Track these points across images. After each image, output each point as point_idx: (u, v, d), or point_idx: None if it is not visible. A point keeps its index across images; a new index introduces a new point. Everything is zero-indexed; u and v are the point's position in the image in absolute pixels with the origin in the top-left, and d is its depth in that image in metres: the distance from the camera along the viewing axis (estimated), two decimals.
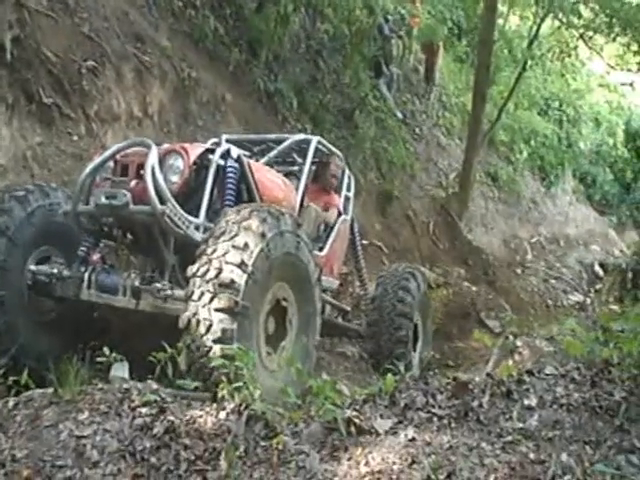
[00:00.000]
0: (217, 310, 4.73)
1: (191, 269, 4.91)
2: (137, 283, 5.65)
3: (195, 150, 5.99)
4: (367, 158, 13.36)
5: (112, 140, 8.33)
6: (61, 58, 7.94)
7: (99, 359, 4.52)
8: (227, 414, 3.73)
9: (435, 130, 17.63)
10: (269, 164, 7.29)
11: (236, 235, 4.92)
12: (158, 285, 5.55)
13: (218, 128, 9.68)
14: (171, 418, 3.71)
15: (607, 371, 3.87)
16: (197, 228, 5.63)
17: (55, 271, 5.89)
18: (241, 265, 4.83)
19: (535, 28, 18.03)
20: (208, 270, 4.82)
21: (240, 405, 3.76)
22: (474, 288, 12.52)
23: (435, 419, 3.65)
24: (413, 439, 3.48)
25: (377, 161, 13.74)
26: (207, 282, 4.79)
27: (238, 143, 7.40)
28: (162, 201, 5.43)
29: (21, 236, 5.78)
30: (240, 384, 3.93)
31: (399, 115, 15.80)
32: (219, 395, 3.98)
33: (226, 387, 3.96)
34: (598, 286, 16.74)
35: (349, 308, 8.53)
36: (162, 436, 3.62)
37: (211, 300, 4.74)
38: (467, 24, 19.71)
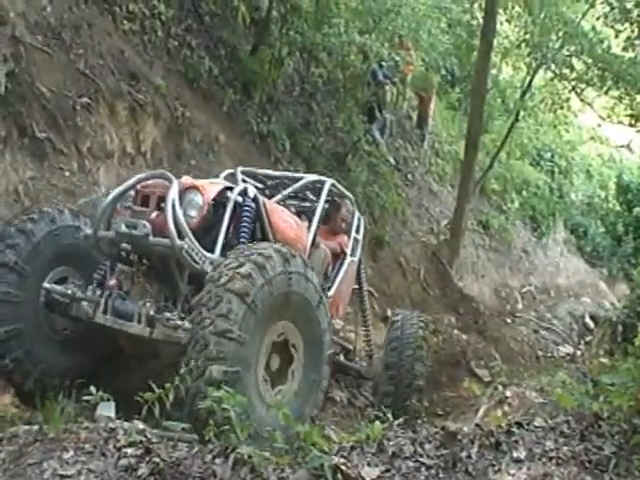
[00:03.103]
0: (214, 333, 4.88)
1: (197, 296, 5.12)
2: (152, 312, 5.81)
3: (214, 187, 6.21)
4: (359, 202, 13.29)
5: (104, 177, 8.42)
6: (55, 93, 7.98)
7: (85, 397, 4.47)
8: (213, 457, 3.64)
9: (427, 177, 17.69)
10: (282, 201, 7.49)
11: (241, 266, 5.08)
12: (168, 315, 5.74)
13: (211, 168, 9.69)
14: (156, 459, 3.61)
15: (597, 425, 3.79)
16: (212, 263, 5.74)
17: (69, 292, 6.05)
18: (242, 294, 4.99)
19: (528, 79, 18.24)
20: (210, 297, 4.99)
21: (227, 448, 3.66)
22: (464, 336, 12.42)
23: (423, 469, 3.56)
24: None
25: (369, 206, 13.73)
26: (208, 308, 4.97)
27: (252, 176, 7.79)
28: (181, 236, 5.61)
29: (30, 266, 5.98)
30: (227, 427, 3.85)
31: (391, 161, 15.86)
32: (206, 437, 3.91)
33: (213, 429, 3.88)
34: (588, 338, 16.68)
35: (351, 347, 8.55)
36: (147, 477, 3.53)
37: (210, 324, 4.91)
38: (460, 72, 19.95)
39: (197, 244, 5.70)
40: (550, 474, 3.45)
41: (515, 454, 3.59)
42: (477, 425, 3.88)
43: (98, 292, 6.08)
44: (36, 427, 3.98)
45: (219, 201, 6.15)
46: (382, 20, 13.75)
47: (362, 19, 13.84)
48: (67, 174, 7.83)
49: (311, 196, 8.12)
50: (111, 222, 5.98)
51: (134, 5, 9.94)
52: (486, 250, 18.20)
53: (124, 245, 5.97)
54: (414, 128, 18.22)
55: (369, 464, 3.60)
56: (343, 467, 3.50)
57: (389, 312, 11.68)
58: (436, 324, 12.12)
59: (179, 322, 5.67)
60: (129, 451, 3.71)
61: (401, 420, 4.39)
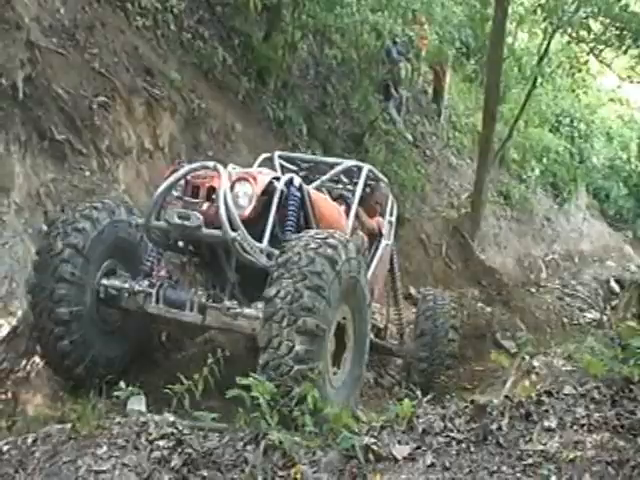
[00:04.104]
0: (299, 332, 4.96)
1: (271, 291, 5.16)
2: (204, 299, 6.04)
3: (263, 178, 6.32)
4: None
5: (124, 174, 8.47)
6: (72, 94, 8.02)
7: (116, 393, 4.59)
8: (244, 444, 3.75)
9: (446, 151, 17.67)
10: (319, 185, 7.65)
11: (313, 261, 5.19)
12: (228, 303, 5.98)
13: (229, 158, 9.71)
14: (189, 450, 3.74)
15: (628, 389, 3.88)
16: (262, 252, 5.94)
17: (127, 285, 6.29)
18: (319, 290, 5.11)
19: (545, 44, 18.02)
20: (289, 293, 5.07)
21: (257, 435, 3.77)
22: (489, 309, 12.48)
23: (454, 443, 3.66)
24: (432, 464, 3.52)
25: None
26: (289, 305, 5.03)
27: (289, 160, 8.12)
28: (233, 227, 5.71)
29: (93, 253, 6.12)
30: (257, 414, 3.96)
31: (409, 137, 15.86)
32: (236, 425, 4.02)
33: (243, 416, 4.00)
34: (614, 302, 16.53)
35: (382, 325, 8.81)
36: (180, 468, 3.65)
37: (294, 322, 4.97)
38: (475, 43, 19.70)
39: (248, 235, 5.81)
40: (582, 441, 3.52)
41: (546, 423, 3.68)
42: (506, 397, 3.98)
43: (146, 283, 6.28)
44: (69, 425, 4.08)
45: (266, 191, 6.25)
46: None
47: None
48: (87, 174, 7.88)
49: (344, 179, 8.28)
50: (162, 212, 6.08)
51: (146, 0, 9.98)
52: (508, 221, 18.12)
53: (174, 234, 6.09)
54: (430, 103, 18.20)
55: (400, 442, 3.72)
56: (374, 447, 3.63)
57: (412, 290, 11.82)
58: (460, 298, 12.21)
59: (238, 310, 5.89)
60: (161, 443, 3.82)
61: (430, 397, 4.49)
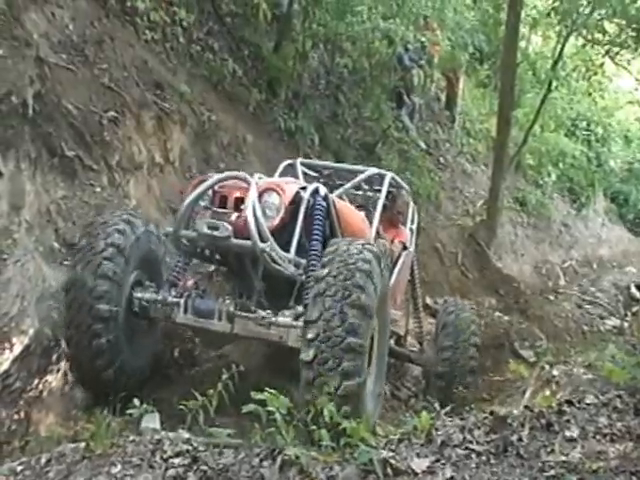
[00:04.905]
0: (356, 286, 5.10)
1: (319, 287, 5.20)
2: (232, 308, 6.04)
3: (290, 187, 6.40)
4: None
5: (134, 189, 8.46)
6: (82, 110, 8.00)
7: (129, 410, 4.53)
8: (260, 460, 3.68)
9: (460, 158, 17.62)
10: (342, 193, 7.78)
11: (366, 244, 5.42)
12: (262, 313, 5.96)
13: (240, 169, 9.60)
14: (204, 467, 3.67)
15: None
16: (290, 262, 6.03)
17: (160, 297, 6.30)
18: (367, 273, 5.23)
19: (559, 47, 17.93)
20: (345, 256, 5.27)
21: (273, 450, 3.71)
22: (506, 318, 12.42)
23: (474, 456, 3.59)
24: (452, 478, 3.44)
25: None
26: (347, 263, 5.21)
27: (310, 166, 8.34)
28: (262, 238, 5.76)
29: (131, 257, 6.21)
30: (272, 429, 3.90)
31: (422, 145, 15.84)
32: (252, 441, 3.95)
33: (258, 432, 3.93)
34: (635, 309, 16.38)
35: (402, 333, 8.83)
36: None
37: (351, 277, 5.12)
38: (489, 48, 19.67)
39: (276, 246, 5.87)
40: (605, 451, 3.45)
41: (567, 433, 3.61)
42: (526, 407, 3.92)
43: (173, 293, 6.32)
44: (83, 444, 4.02)
45: (294, 201, 6.32)
46: (405, 2, 13.64)
47: (385, 4, 13.70)
48: (98, 190, 7.87)
49: (364, 185, 8.40)
50: (190, 221, 6.13)
51: (155, 14, 9.95)
52: (524, 227, 18.03)
53: (202, 244, 6.16)
54: (443, 110, 18.20)
55: (418, 455, 3.63)
56: (392, 460, 3.54)
57: (428, 300, 11.77)
58: (477, 308, 12.11)
59: (273, 319, 5.86)
60: (176, 461, 3.75)
61: (448, 408, 4.44)
